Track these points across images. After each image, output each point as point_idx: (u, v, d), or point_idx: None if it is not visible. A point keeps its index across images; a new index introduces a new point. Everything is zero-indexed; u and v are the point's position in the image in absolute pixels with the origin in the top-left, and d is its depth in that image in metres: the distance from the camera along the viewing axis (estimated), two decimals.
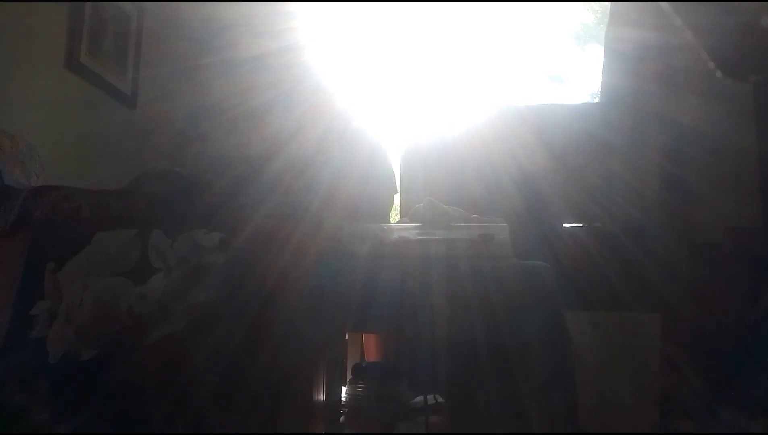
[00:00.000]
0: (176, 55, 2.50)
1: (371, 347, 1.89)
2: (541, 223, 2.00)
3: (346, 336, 1.73)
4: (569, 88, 5.29)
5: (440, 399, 1.50)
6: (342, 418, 1.50)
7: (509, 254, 1.30)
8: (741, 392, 1.58)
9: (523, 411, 1.24)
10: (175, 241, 1.20)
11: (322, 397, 1.38)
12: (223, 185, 1.33)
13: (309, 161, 1.40)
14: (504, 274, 1.26)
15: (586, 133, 2.16)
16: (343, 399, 1.54)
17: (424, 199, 1.52)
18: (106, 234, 1.23)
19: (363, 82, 2.06)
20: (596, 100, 3.19)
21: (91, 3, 2.21)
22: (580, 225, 2.17)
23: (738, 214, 1.99)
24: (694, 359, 1.67)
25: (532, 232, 1.79)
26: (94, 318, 1.16)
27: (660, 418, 1.74)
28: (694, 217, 1.99)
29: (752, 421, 1.53)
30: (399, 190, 2.03)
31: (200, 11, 2.45)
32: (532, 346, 1.24)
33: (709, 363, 1.66)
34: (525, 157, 2.06)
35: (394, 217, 2.32)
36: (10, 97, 1.85)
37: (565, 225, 2.16)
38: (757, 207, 1.96)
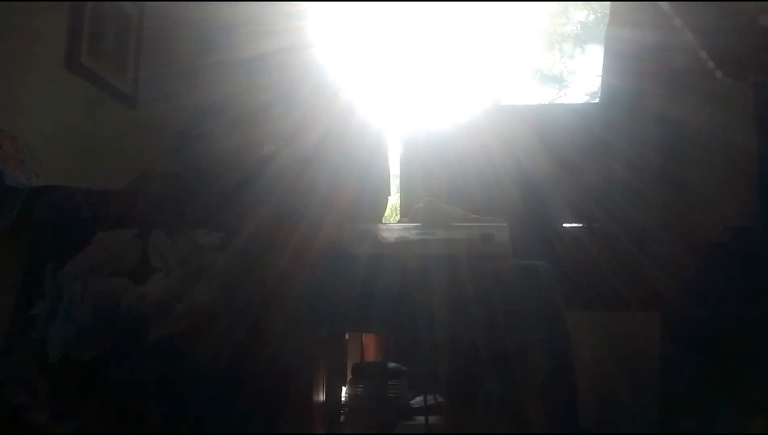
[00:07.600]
0: (176, 55, 2.49)
1: (372, 347, 1.89)
2: (541, 223, 2.01)
3: (346, 336, 1.73)
4: (569, 88, 5.29)
5: (440, 399, 1.50)
6: (342, 418, 1.50)
7: (509, 254, 1.30)
8: (741, 392, 1.58)
9: (523, 411, 1.24)
10: (175, 242, 1.20)
11: (322, 397, 1.38)
12: (223, 185, 1.33)
13: (309, 161, 1.40)
14: (504, 274, 1.26)
15: (586, 133, 2.16)
16: (343, 399, 1.55)
17: (424, 199, 1.52)
18: (106, 234, 1.22)
19: (363, 82, 2.06)
20: (596, 100, 3.19)
21: (91, 3, 2.21)
22: (580, 225, 2.17)
23: (738, 214, 1.98)
24: (694, 359, 1.67)
25: (532, 232, 1.79)
26: (94, 318, 1.16)
27: (660, 418, 1.74)
28: (694, 217, 1.99)
29: (752, 421, 1.53)
30: (397, 191, 2.02)
31: (201, 11, 2.45)
32: (532, 345, 1.24)
33: (709, 363, 1.66)
34: (525, 157, 2.06)
35: (392, 218, 2.32)
36: (10, 97, 1.84)
37: (565, 225, 2.16)
38: (757, 207, 1.95)
